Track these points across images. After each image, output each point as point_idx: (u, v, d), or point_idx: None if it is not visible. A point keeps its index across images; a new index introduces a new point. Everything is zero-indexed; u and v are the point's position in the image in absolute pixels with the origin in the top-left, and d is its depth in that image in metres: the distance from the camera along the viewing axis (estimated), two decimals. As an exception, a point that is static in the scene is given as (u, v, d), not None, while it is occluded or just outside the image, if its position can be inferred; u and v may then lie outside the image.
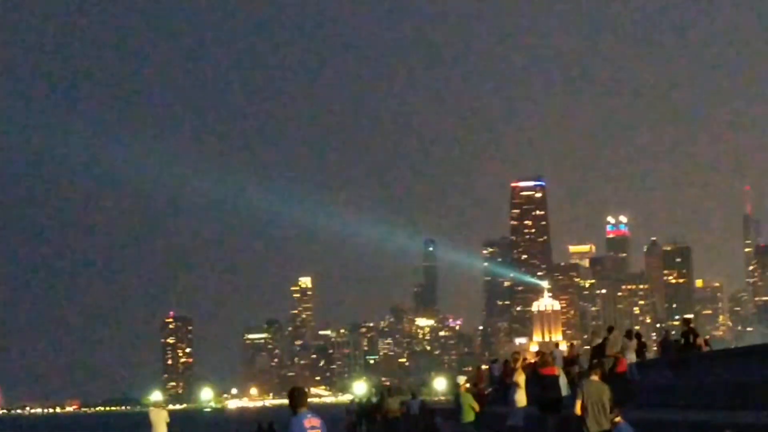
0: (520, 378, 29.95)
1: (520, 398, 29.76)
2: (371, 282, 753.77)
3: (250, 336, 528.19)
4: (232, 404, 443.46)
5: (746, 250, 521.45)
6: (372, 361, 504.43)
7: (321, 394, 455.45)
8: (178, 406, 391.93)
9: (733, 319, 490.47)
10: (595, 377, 18.68)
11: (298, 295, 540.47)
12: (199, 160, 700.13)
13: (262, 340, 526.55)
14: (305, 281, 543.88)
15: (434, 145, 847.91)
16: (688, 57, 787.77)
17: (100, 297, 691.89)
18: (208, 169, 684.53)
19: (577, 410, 18.64)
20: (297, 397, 14.63)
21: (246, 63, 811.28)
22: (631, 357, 34.65)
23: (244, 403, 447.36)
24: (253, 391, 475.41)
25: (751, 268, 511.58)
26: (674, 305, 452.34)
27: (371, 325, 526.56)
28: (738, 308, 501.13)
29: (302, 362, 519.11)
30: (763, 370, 24.75)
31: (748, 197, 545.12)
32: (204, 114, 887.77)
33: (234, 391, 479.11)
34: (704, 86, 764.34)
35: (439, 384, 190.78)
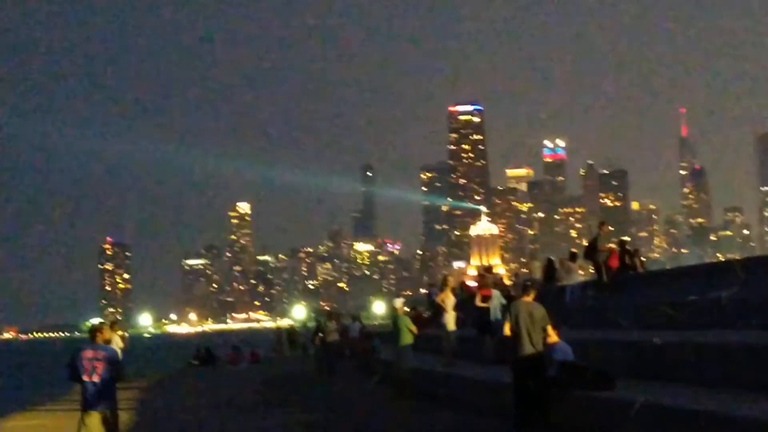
0: (448, 301, 29.85)
1: (448, 321, 29.70)
2: (310, 208, 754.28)
3: (189, 262, 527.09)
4: (172, 329, 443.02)
5: (681, 172, 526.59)
6: (311, 286, 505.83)
7: (260, 319, 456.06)
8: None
9: (669, 241, 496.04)
10: (527, 298, 18.60)
11: (236, 221, 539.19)
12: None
13: (201, 266, 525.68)
14: (244, 207, 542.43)
15: (372, 71, 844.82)
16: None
17: (36, 224, 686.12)
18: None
19: (506, 332, 18.62)
20: (90, 332, 15.61)
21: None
22: (573, 279, 34.75)
23: (184, 328, 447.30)
24: (192, 316, 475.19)
25: (686, 190, 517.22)
26: (611, 228, 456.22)
27: (310, 250, 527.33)
28: (673, 230, 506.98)
29: (241, 287, 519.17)
30: (696, 290, 24.90)
31: (684, 119, 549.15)
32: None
33: (173, 316, 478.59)
34: (641, 9, 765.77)
35: (378, 308, 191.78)
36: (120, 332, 38.06)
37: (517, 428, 18.11)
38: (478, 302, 30.75)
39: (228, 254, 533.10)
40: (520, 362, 18.33)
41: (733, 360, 16.39)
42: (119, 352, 34.91)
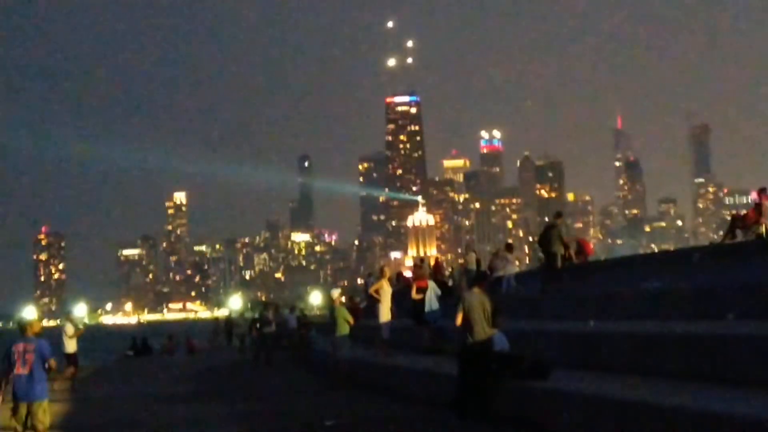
0: (383, 291, 29.86)
1: (382, 312, 29.68)
2: (247, 198, 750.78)
3: (125, 252, 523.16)
4: (107, 320, 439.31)
5: (616, 164, 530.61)
6: (248, 277, 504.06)
7: (196, 310, 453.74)
8: (51, 323, 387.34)
9: (603, 232, 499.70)
10: (477, 289, 18.82)
11: (172, 211, 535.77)
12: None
13: (137, 256, 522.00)
14: (180, 197, 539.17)
15: (309, 62, 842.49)
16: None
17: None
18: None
19: (458, 321, 18.80)
20: (20, 326, 16.64)
21: None
22: (510, 269, 35.01)
23: (119, 318, 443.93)
24: (128, 306, 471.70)
25: (620, 181, 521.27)
26: (546, 219, 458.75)
27: (247, 240, 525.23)
28: (608, 221, 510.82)
29: (177, 278, 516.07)
30: (629, 281, 25.20)
31: (619, 111, 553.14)
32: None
33: (108, 307, 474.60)
34: (577, 1, 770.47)
35: (315, 298, 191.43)
36: (72, 319, 37.72)
37: (460, 417, 18.25)
38: (414, 293, 30.85)
39: (164, 244, 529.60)
40: (468, 351, 18.49)
41: (664, 349, 16.61)
42: (71, 339, 34.69)
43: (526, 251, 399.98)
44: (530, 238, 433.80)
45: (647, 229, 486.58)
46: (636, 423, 13.80)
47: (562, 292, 28.24)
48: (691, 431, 12.54)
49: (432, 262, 44.06)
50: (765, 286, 18.40)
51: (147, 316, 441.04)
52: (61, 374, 31.36)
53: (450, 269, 49.74)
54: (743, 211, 30.36)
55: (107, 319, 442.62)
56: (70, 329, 35.26)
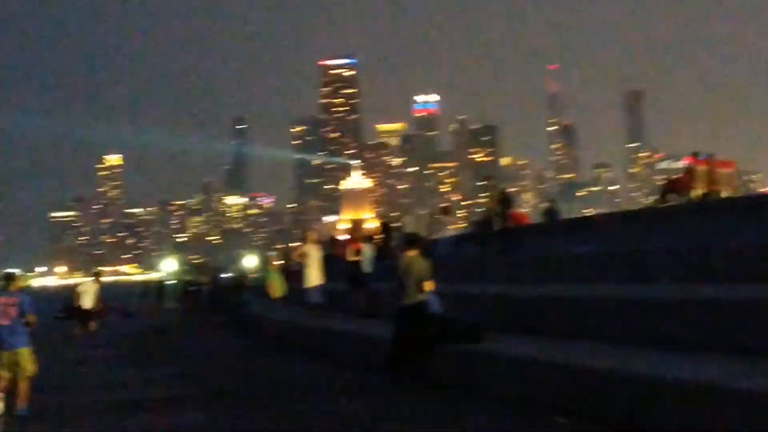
0: (311, 255, 29.71)
1: (310, 276, 29.52)
2: (181, 161, 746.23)
3: (57, 214, 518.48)
4: (38, 283, 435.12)
5: (551, 128, 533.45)
6: (181, 240, 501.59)
7: (130, 272, 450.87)
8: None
9: (538, 197, 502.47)
10: (412, 252, 18.77)
11: (106, 173, 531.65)
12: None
13: (69, 218, 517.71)
14: (114, 159, 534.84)
15: (244, 22, 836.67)
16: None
17: None
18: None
19: (396, 284, 18.78)
20: (5, 280, 17.79)
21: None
22: (445, 233, 35.01)
23: (51, 281, 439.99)
24: (60, 269, 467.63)
25: (555, 146, 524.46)
26: (480, 183, 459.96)
27: (181, 203, 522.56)
28: (542, 186, 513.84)
29: (110, 240, 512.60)
30: (563, 244, 25.28)
31: (554, 76, 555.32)
32: None
33: (40, 269, 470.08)
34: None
35: (250, 261, 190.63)
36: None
37: (394, 380, 18.20)
38: (349, 256, 30.79)
39: (97, 206, 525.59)
40: (403, 314, 18.46)
41: (598, 313, 16.65)
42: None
43: (462, 215, 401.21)
44: (464, 202, 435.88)
45: (581, 193, 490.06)
46: (570, 386, 13.83)
47: (499, 255, 28.31)
48: (623, 393, 12.59)
49: (378, 225, 43.95)
50: (697, 250, 18.49)
51: (81, 279, 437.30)
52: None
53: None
54: (676, 176, 30.62)
55: (38, 282, 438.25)
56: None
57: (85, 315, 38.85)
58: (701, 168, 27.75)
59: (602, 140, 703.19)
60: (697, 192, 27.23)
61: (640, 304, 15.78)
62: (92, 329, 38.64)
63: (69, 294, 47.28)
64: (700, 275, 17.33)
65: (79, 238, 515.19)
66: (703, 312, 14.14)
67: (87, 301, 38.58)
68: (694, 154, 28.59)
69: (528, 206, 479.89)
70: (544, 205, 36.78)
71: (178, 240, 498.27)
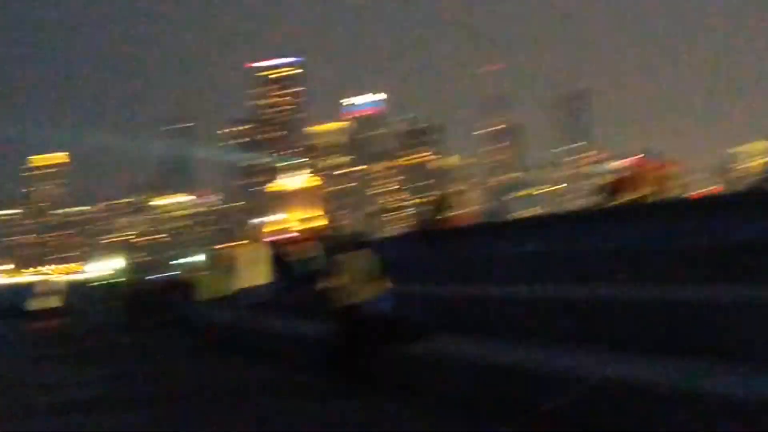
0: (253, 254, 29.48)
1: (252, 275, 29.31)
2: (119, 159, 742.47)
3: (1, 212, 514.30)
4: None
5: (495, 128, 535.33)
6: (120, 239, 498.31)
7: (68, 271, 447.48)
8: None
9: (482, 196, 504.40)
10: (357, 251, 18.60)
11: (44, 171, 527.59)
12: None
13: (11, 217, 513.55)
14: (58, 157, 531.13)
15: (183, 20, 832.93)
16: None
17: None
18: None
19: (333, 283, 18.56)
20: None
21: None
22: (392, 232, 34.78)
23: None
24: (6, 267, 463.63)
25: (498, 146, 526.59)
26: (426, 183, 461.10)
27: (126, 201, 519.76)
28: (486, 185, 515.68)
29: (54, 239, 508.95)
30: (507, 244, 25.19)
31: (500, 76, 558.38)
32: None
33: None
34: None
35: (192, 260, 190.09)
36: None
37: (334, 381, 17.97)
38: (293, 254, 30.56)
39: (35, 205, 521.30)
40: (346, 313, 18.25)
41: (543, 313, 16.56)
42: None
43: (407, 215, 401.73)
44: (408, 202, 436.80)
45: (525, 193, 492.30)
46: (515, 387, 13.68)
47: (444, 254, 28.16)
48: (572, 394, 12.44)
49: (316, 224, 43.73)
50: (642, 250, 18.42)
51: (24, 278, 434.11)
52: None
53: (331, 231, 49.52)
54: (622, 175, 30.57)
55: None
56: None
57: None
58: (648, 167, 27.69)
59: (545, 140, 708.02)
60: (644, 191, 27.17)
61: (584, 304, 15.69)
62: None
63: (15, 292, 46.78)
64: (646, 275, 17.25)
65: (21, 237, 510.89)
66: (651, 312, 14.06)
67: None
68: (642, 153, 28.55)
69: (472, 206, 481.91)
70: (490, 204, 36.79)
71: (122, 239, 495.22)
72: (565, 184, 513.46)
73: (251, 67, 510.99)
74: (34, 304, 64.31)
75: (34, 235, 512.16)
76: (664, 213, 21.20)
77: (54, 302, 65.47)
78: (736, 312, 12.46)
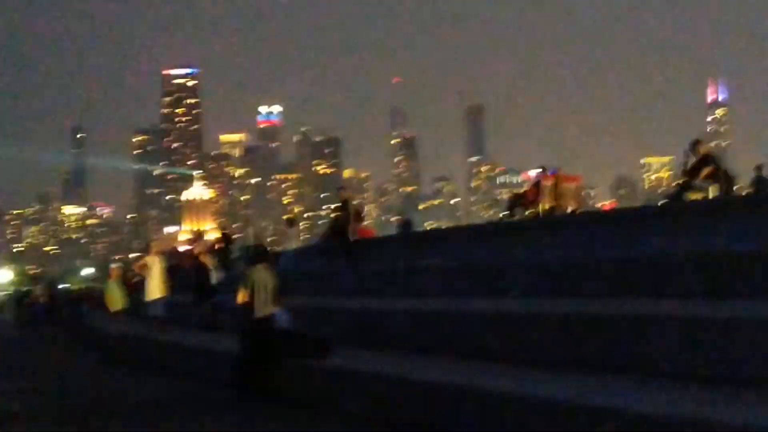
0: (153, 266, 29.16)
1: (151, 288, 28.95)
2: (18, 169, 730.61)
3: None
4: None
5: (393, 141, 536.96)
6: (18, 250, 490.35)
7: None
8: None
9: (380, 209, 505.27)
10: (260, 265, 18.53)
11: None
12: None
13: None
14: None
15: (83, 29, 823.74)
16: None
17: None
18: None
19: (240, 298, 18.45)
20: None
21: None
22: (290, 244, 34.77)
23: None
24: None
25: (397, 159, 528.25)
26: (323, 195, 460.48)
27: (18, 212, 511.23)
28: (384, 198, 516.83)
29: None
30: (409, 257, 25.25)
31: (397, 89, 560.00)
32: None
33: None
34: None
35: (88, 273, 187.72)
36: None
37: (240, 396, 17.87)
38: (191, 267, 30.32)
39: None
40: (251, 328, 18.17)
41: (446, 327, 16.59)
42: None
43: (305, 226, 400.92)
44: (306, 215, 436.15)
45: (422, 206, 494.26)
46: (417, 401, 13.69)
47: (345, 268, 28.17)
48: (471, 409, 12.48)
49: (213, 237, 43.40)
50: (544, 263, 18.59)
51: None
52: None
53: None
54: (522, 190, 30.90)
55: None
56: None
57: None
58: (548, 182, 28.00)
59: (443, 154, 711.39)
60: (544, 206, 27.48)
61: (488, 319, 15.76)
62: None
63: None
64: (547, 290, 17.40)
65: None
66: (551, 327, 14.15)
67: None
68: (542, 169, 28.86)
69: (370, 219, 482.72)
70: (398, 217, 36.87)
71: (14, 250, 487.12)
72: (462, 198, 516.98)
73: (153, 76, 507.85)
74: None
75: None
76: (566, 227, 21.41)
77: None
78: (644, 326, 12.57)
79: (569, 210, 27.13)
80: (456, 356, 15.39)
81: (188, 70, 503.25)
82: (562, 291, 16.98)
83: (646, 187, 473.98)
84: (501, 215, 30.10)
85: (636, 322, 12.81)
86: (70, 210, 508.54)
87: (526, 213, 27.78)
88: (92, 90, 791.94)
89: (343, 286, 26.05)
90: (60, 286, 55.77)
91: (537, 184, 28.37)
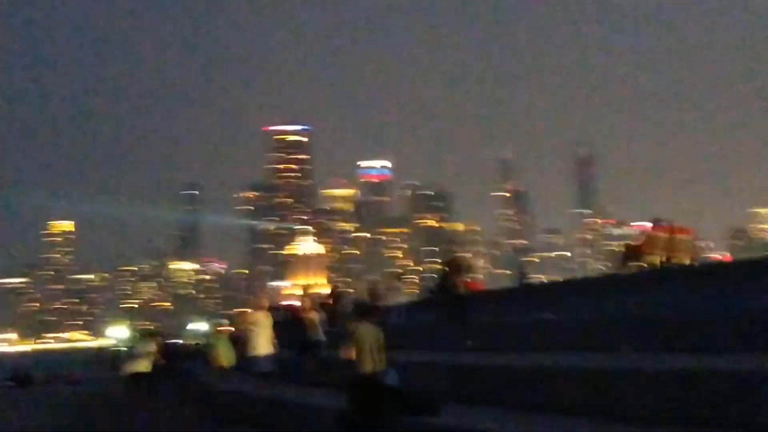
0: (259, 323, 28.90)
1: (260, 344, 28.57)
2: (132, 226, 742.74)
3: (6, 280, 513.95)
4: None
5: (502, 194, 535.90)
6: (132, 306, 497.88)
7: (81, 339, 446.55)
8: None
9: (490, 262, 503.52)
10: (368, 321, 18.27)
11: (56, 239, 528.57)
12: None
13: (20, 285, 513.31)
14: (64, 225, 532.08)
15: (196, 87, 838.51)
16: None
17: None
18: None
19: (348, 354, 18.17)
20: None
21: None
22: (398, 299, 34.48)
23: (3, 348, 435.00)
24: (11, 336, 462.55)
25: (508, 211, 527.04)
26: (432, 248, 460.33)
27: (133, 269, 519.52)
28: (495, 251, 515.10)
29: (61, 306, 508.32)
30: (520, 311, 24.81)
31: (507, 142, 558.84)
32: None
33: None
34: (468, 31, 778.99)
35: (199, 328, 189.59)
36: None
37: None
38: (300, 323, 30.17)
39: (48, 272, 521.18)
40: (359, 385, 17.91)
41: (560, 383, 16.13)
42: None
43: (415, 281, 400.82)
44: (419, 268, 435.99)
45: (534, 259, 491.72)
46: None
47: (453, 322, 27.81)
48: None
49: (329, 291, 43.22)
50: (659, 318, 18.06)
51: (31, 346, 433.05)
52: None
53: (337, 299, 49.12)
54: (635, 242, 30.24)
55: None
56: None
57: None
58: (661, 234, 27.38)
59: (553, 206, 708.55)
60: (657, 259, 26.85)
61: (602, 375, 15.28)
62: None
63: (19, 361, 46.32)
64: (662, 344, 16.88)
65: (29, 305, 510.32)
66: (665, 383, 13.65)
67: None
68: (655, 220, 28.25)
69: (480, 272, 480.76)
70: (516, 271, 36.54)
71: (128, 306, 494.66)
72: (572, 251, 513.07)
73: (261, 133, 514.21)
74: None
75: (47, 302, 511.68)
76: (679, 279, 20.85)
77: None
78: (762, 383, 12.05)
79: (684, 262, 26.50)
80: (570, 415, 14.95)
81: (299, 127, 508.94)
82: (675, 346, 16.44)
83: (759, 237, 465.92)
84: (613, 267, 29.49)
85: (756, 378, 12.28)
86: (183, 266, 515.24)
87: (640, 265, 27.17)
88: (203, 147, 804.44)
89: (449, 341, 25.69)
90: (172, 342, 56.07)
91: (650, 237, 27.78)
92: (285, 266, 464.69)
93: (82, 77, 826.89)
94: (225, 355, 34.06)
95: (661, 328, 17.62)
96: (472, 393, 18.43)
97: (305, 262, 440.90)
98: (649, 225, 28.50)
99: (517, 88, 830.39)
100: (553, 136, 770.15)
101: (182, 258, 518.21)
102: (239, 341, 37.96)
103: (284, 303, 54.19)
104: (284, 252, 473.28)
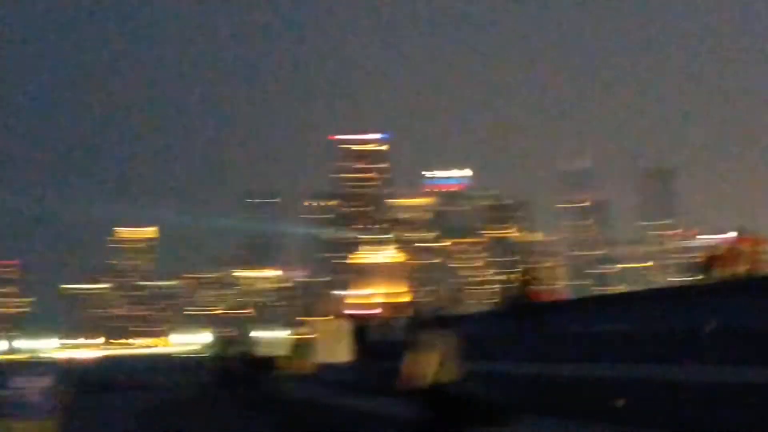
0: (338, 330, 28.97)
1: (337, 351, 28.70)
2: (211, 235, 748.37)
3: (90, 286, 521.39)
4: (73, 355, 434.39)
5: (581, 204, 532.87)
6: (212, 313, 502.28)
7: (163, 344, 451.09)
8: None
9: (570, 273, 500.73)
10: (440, 330, 18.14)
11: (137, 246, 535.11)
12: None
13: (102, 290, 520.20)
14: (148, 232, 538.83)
15: (267, 94, 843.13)
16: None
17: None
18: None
19: (423, 363, 18.07)
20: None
21: None
22: (474, 309, 34.23)
23: (85, 353, 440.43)
24: (94, 340, 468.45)
25: (587, 222, 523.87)
26: (509, 259, 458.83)
27: (213, 275, 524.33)
28: (575, 262, 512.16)
29: (141, 313, 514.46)
30: (597, 322, 24.53)
31: (586, 151, 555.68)
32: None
33: (77, 341, 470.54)
34: (542, 39, 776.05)
35: (278, 336, 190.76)
36: None
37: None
38: (375, 330, 30.13)
39: (130, 278, 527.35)
40: (429, 394, 17.77)
41: (637, 395, 15.88)
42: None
43: (493, 291, 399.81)
44: (499, 278, 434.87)
45: (612, 270, 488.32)
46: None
47: (532, 331, 27.60)
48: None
49: (399, 300, 43.26)
50: (744, 328, 17.69)
51: (113, 351, 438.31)
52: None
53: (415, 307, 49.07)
54: (717, 252, 29.82)
55: (73, 354, 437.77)
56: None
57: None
58: (745, 245, 26.96)
59: (631, 216, 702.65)
60: (740, 269, 26.44)
61: (683, 386, 14.99)
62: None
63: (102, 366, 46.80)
64: (743, 357, 16.52)
65: (111, 311, 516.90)
66: (745, 396, 13.33)
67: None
68: (739, 231, 27.85)
69: (560, 283, 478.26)
70: (589, 281, 36.11)
71: (208, 313, 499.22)
72: (651, 261, 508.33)
73: (335, 141, 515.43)
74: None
75: (123, 308, 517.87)
76: (761, 290, 20.47)
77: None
78: None
79: (761, 272, 26.06)
80: (646, 427, 14.68)
81: (377, 135, 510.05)
82: (755, 359, 16.09)
83: None
84: (694, 278, 29.03)
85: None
86: (263, 273, 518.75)
87: (717, 275, 26.76)
88: (277, 154, 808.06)
89: (525, 351, 25.46)
90: (251, 349, 56.28)
91: (734, 247, 27.36)
92: (362, 275, 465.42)
93: (161, 85, 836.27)
94: (304, 363, 34.09)
95: (742, 339, 17.27)
96: (546, 403, 18.23)
97: (382, 270, 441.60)
98: (733, 236, 28.08)
99: (597, 96, 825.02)
100: (633, 145, 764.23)
101: (262, 266, 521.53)
102: (317, 348, 38.06)
103: (362, 311, 54.19)
104: (361, 261, 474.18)
